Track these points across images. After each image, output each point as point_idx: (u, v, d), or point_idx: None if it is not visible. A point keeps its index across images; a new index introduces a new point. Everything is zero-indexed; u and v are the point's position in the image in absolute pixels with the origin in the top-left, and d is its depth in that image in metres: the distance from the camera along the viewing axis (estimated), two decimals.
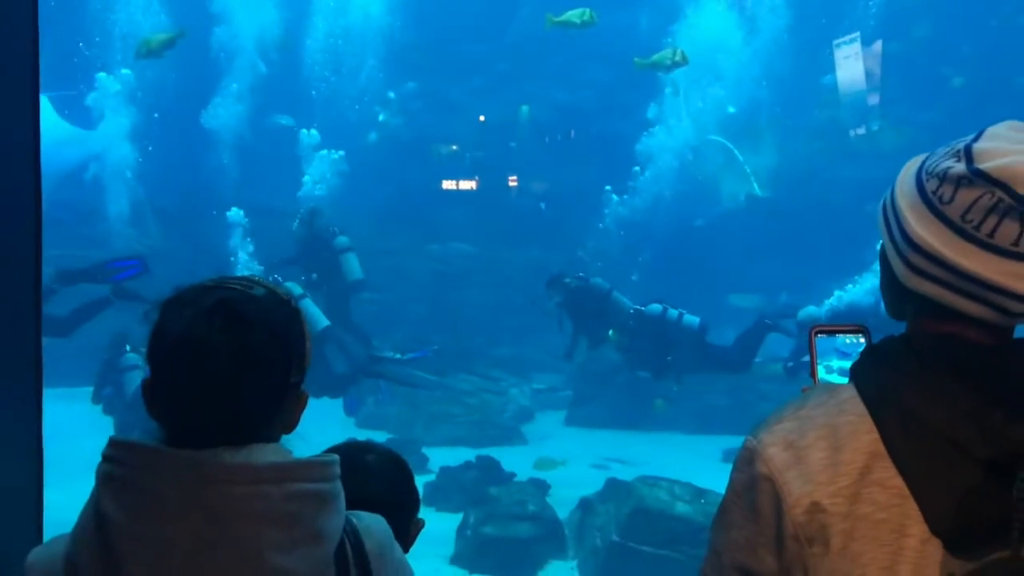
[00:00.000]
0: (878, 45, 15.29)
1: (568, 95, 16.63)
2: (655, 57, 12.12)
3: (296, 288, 8.89)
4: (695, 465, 9.08)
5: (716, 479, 1.50)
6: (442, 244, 15.91)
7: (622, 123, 15.05)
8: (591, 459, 10.44)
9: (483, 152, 17.16)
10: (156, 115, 14.28)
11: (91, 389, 8.59)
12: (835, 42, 15.35)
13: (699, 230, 15.69)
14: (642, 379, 9.97)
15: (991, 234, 1.35)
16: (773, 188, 16.08)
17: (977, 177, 1.35)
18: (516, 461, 9.78)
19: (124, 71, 14.03)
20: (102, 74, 14.23)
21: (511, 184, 17.35)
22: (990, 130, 1.40)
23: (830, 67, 15.71)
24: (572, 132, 17.22)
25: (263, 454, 1.53)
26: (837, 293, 10.01)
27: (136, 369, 8.31)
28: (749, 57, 15.16)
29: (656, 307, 9.30)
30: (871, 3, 15.34)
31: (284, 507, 1.50)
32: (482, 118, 17.46)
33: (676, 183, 15.19)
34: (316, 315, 8.70)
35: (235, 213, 11.98)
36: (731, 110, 15.90)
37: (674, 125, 15.14)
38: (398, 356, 10.19)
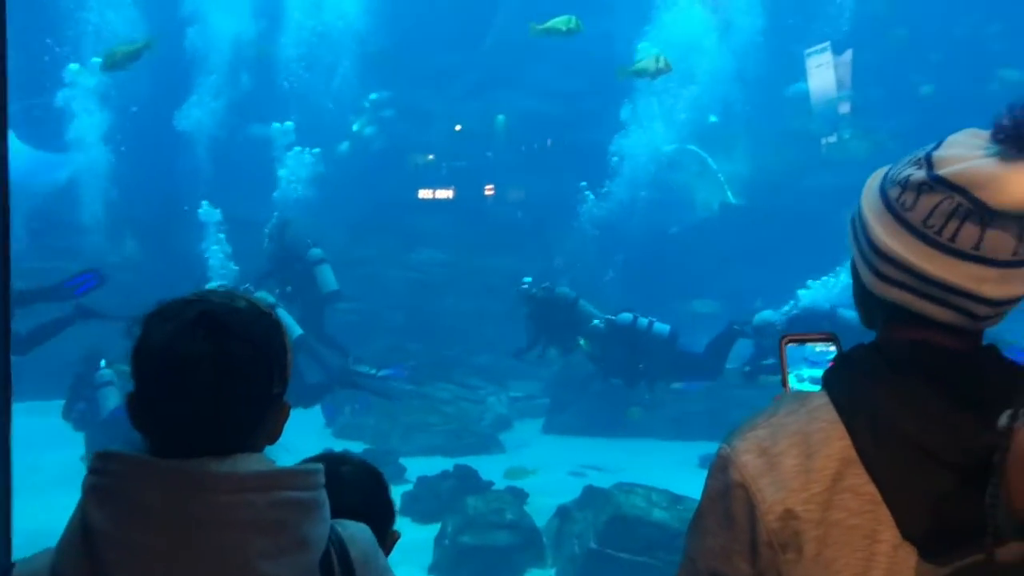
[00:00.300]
0: (848, 54, 15.49)
1: (542, 103, 16.68)
2: (638, 65, 12.12)
3: (268, 297, 8.89)
4: (672, 471, 9.11)
5: (693, 485, 1.52)
6: (419, 252, 15.88)
7: (596, 131, 15.11)
8: (569, 466, 10.44)
9: (458, 160, 17.18)
10: (129, 116, 14.04)
11: (60, 403, 8.48)
12: (806, 51, 15.53)
13: (674, 237, 15.79)
14: (616, 387, 10.04)
15: (953, 238, 1.37)
16: (747, 196, 16.21)
17: (937, 183, 1.38)
18: (494, 469, 9.77)
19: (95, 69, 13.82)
20: (74, 65, 13.95)
21: (488, 192, 17.36)
22: (951, 138, 1.43)
23: (802, 76, 15.88)
24: (547, 140, 17.28)
25: (248, 463, 1.54)
26: (803, 292, 10.14)
27: (111, 385, 8.21)
28: (720, 66, 15.26)
29: (627, 316, 9.41)
30: (842, 13, 15.53)
31: (270, 515, 1.51)
32: (458, 127, 17.48)
33: (650, 191, 15.28)
34: (289, 324, 8.72)
35: (210, 219, 11.90)
36: (713, 119, 16.02)
37: (648, 133, 15.22)
38: (373, 372, 10.17)
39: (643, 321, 9.31)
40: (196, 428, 1.54)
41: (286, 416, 1.67)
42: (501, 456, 11.21)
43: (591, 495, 7.95)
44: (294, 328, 8.74)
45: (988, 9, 15.46)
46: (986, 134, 1.38)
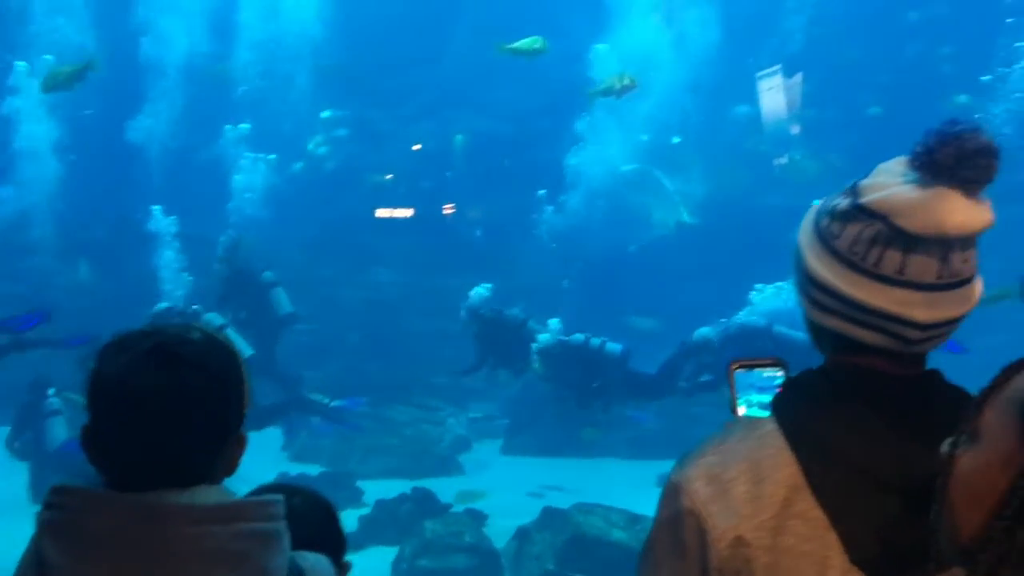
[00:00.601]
0: (799, 76, 15.78)
1: (496, 123, 16.74)
2: (604, 84, 12.17)
3: (217, 319, 8.83)
4: (630, 491, 9.12)
5: (651, 504, 1.54)
6: (376, 272, 15.78)
7: (551, 150, 15.20)
8: (528, 487, 10.40)
9: (413, 180, 17.15)
10: (79, 126, 13.63)
11: (5, 430, 8.26)
12: (758, 74, 15.79)
13: (631, 255, 15.90)
14: (570, 408, 10.05)
15: (877, 264, 1.41)
16: (701, 215, 16.40)
17: (859, 211, 1.42)
18: (453, 491, 9.70)
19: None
20: (22, 63, 13.51)
21: (446, 212, 17.35)
22: (881, 166, 1.47)
23: (754, 95, 16.13)
24: (502, 160, 17.33)
25: (208, 495, 1.55)
26: (760, 301, 10.24)
27: (59, 415, 8.03)
28: (675, 83, 15.37)
29: (579, 336, 9.44)
30: (793, 33, 15.82)
31: (231, 546, 1.51)
32: (417, 147, 17.47)
33: (606, 210, 15.37)
34: (240, 344, 8.59)
35: (162, 235, 11.73)
36: (671, 139, 16.18)
37: (603, 151, 15.32)
38: (326, 401, 10.09)
39: (595, 341, 9.36)
40: (152, 461, 1.53)
41: (243, 448, 1.67)
42: (460, 478, 11.13)
43: (550, 516, 7.93)
44: (244, 349, 8.64)
45: (939, 32, 15.82)
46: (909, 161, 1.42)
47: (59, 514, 1.50)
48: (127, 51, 14.29)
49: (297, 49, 16.07)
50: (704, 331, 9.37)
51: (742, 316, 9.54)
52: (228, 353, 1.64)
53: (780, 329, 9.07)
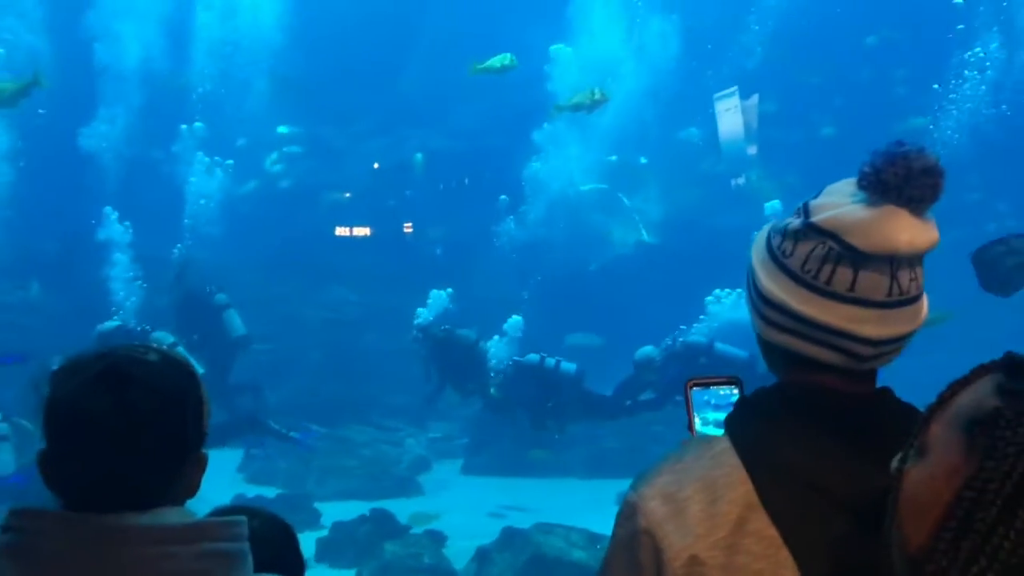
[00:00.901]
0: (755, 98, 16.04)
1: (451, 141, 16.78)
2: (575, 99, 12.15)
3: (167, 337, 8.80)
4: (590, 509, 9.10)
5: (611, 524, 1.54)
6: (334, 291, 15.65)
7: (510, 166, 15.25)
8: (488, 507, 10.35)
9: (371, 198, 17.10)
10: (30, 134, 13.21)
11: None
12: (715, 95, 16.02)
13: (591, 274, 15.99)
14: (523, 429, 10.06)
15: (828, 281, 1.44)
16: (661, 234, 16.55)
17: (810, 229, 1.45)
18: (425, 509, 9.66)
19: None
20: None
21: (406, 230, 17.30)
22: (830, 186, 1.51)
23: (712, 117, 16.32)
24: (463, 179, 17.37)
25: (169, 516, 1.53)
26: (718, 311, 10.33)
27: (5, 440, 7.82)
28: (632, 104, 15.47)
29: (534, 356, 9.49)
30: (748, 60, 16.08)
31: (195, 566, 1.50)
32: (376, 165, 17.43)
33: (567, 228, 15.44)
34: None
35: (114, 247, 11.53)
36: (622, 157, 16.28)
37: (563, 167, 15.36)
38: (280, 429, 10.00)
39: (550, 361, 9.42)
40: (108, 483, 1.52)
41: (203, 468, 1.67)
42: (419, 499, 11.05)
43: (510, 536, 7.91)
44: (195, 367, 8.56)
45: (894, 55, 16.19)
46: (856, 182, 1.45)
47: (17, 537, 1.49)
48: (80, 55, 14.03)
49: (254, 54, 15.84)
50: (646, 350, 9.45)
51: (689, 334, 9.63)
52: (186, 373, 1.63)
53: (721, 346, 9.20)
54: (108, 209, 12.22)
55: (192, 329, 9.78)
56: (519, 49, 12.58)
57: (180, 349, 8.65)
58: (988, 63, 14.57)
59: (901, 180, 1.38)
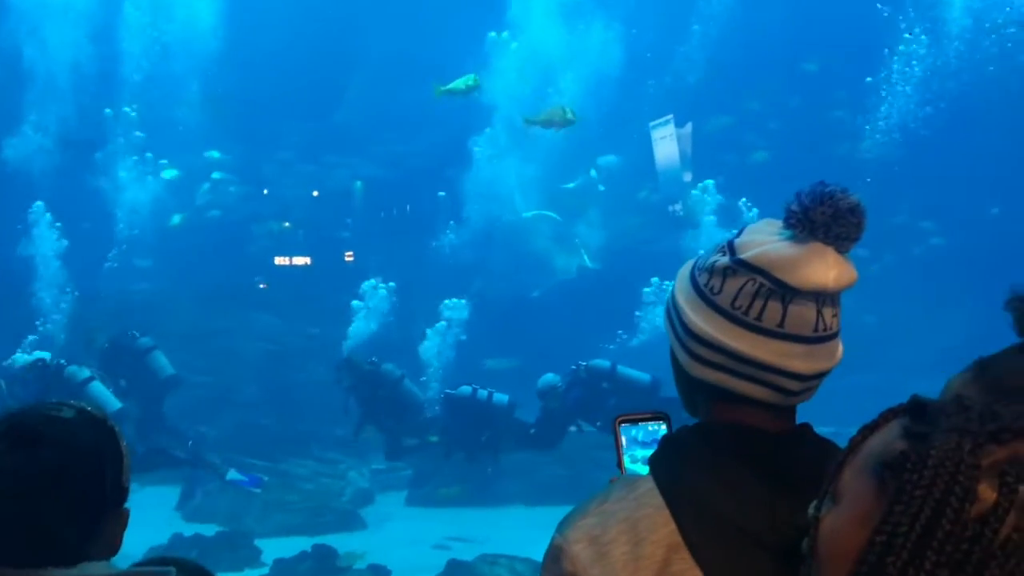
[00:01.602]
0: (689, 126, 16.33)
1: (381, 168, 16.76)
2: (544, 115, 12.11)
3: (82, 372, 8.72)
4: (536, 538, 8.97)
5: None
6: (271, 322, 15.39)
7: (443, 193, 15.27)
8: (433, 539, 10.22)
9: (306, 227, 16.96)
10: None
11: None
12: (651, 123, 16.28)
13: (534, 300, 16.03)
14: (458, 461, 9.99)
15: (759, 317, 1.46)
16: (602, 260, 16.69)
17: (740, 266, 1.47)
18: (355, 547, 9.45)
19: None
20: None
21: (347, 259, 17.15)
22: (750, 226, 1.54)
23: (648, 146, 16.57)
24: (402, 205, 17.32)
25: (93, 569, 1.53)
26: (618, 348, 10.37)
27: None
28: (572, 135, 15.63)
29: (466, 388, 9.45)
30: (685, 89, 16.38)
31: None
32: (316, 193, 17.30)
33: (509, 254, 15.47)
34: (106, 398, 8.61)
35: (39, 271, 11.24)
36: (568, 185, 16.39)
37: (503, 190, 15.39)
38: (221, 469, 9.80)
39: (483, 393, 9.38)
40: (20, 539, 1.51)
41: (125, 524, 1.65)
42: (363, 533, 10.87)
43: (455, 569, 7.84)
44: (112, 402, 8.49)
45: (825, 82, 16.63)
46: (779, 222, 1.49)
47: None
48: (7, 60, 13.67)
49: (188, 63, 15.55)
50: (547, 377, 9.46)
51: (588, 360, 9.61)
52: (106, 430, 1.62)
53: (624, 370, 9.28)
54: (36, 218, 11.92)
55: (119, 375, 9.63)
56: (456, 72, 12.64)
57: (96, 384, 8.70)
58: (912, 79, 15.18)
59: (829, 219, 1.41)
